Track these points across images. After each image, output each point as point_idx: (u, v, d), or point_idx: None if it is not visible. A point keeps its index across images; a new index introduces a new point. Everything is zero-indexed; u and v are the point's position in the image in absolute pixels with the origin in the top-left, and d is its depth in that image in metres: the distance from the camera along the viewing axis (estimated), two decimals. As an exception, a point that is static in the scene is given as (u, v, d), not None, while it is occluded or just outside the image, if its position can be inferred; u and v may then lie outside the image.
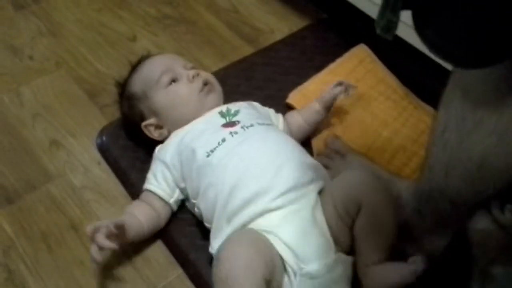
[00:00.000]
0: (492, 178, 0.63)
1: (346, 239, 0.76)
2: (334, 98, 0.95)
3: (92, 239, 0.76)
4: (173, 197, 0.85)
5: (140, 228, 0.82)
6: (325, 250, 0.72)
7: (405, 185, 0.82)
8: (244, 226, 0.75)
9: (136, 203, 0.86)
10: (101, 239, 0.75)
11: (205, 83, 0.90)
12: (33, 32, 1.23)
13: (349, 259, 0.75)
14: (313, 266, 0.71)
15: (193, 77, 0.89)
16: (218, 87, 0.92)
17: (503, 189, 0.65)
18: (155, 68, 0.91)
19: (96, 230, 0.76)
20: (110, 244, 0.76)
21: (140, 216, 0.83)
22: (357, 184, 0.76)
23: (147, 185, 0.86)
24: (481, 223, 0.82)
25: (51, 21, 1.26)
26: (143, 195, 0.86)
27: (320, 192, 0.78)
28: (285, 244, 0.72)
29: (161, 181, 0.85)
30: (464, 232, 0.82)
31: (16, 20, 1.26)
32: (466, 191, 0.66)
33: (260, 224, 0.74)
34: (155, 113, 0.89)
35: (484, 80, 0.58)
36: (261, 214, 0.74)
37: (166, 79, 0.89)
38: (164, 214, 0.86)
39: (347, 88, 0.95)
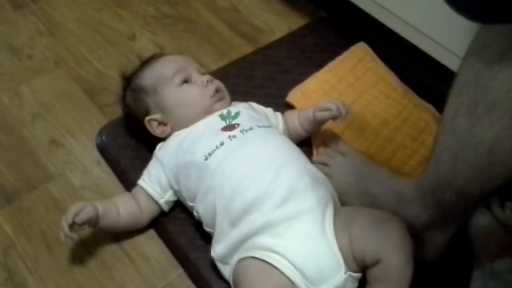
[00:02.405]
0: (502, 163, 0.62)
1: (356, 268, 0.73)
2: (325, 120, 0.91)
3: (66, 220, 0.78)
4: (164, 198, 0.85)
5: (115, 220, 0.83)
6: (335, 270, 0.71)
7: (407, 181, 0.82)
8: (248, 237, 0.74)
9: (125, 195, 0.87)
10: (65, 228, 0.78)
11: (217, 90, 0.90)
12: (32, 32, 1.23)
13: (357, 276, 0.73)
14: None
15: (207, 82, 0.90)
16: (227, 97, 0.93)
17: (508, 181, 0.65)
18: (170, 66, 0.91)
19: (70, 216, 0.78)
20: (71, 234, 0.78)
21: (121, 209, 0.84)
22: (382, 235, 0.71)
23: (139, 181, 0.87)
24: (481, 220, 0.82)
25: (50, 21, 1.25)
26: (134, 190, 0.87)
27: (329, 203, 0.77)
28: (294, 265, 0.71)
29: (154, 180, 0.85)
30: (465, 228, 0.82)
31: (15, 20, 1.25)
32: (474, 179, 0.65)
33: (266, 242, 0.72)
34: (161, 109, 0.89)
35: (498, 63, 0.58)
36: (265, 226, 0.73)
37: (179, 78, 0.89)
38: (147, 213, 0.86)
39: (338, 113, 0.88)
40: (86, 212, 0.79)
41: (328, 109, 0.89)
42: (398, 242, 0.70)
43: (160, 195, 0.85)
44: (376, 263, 0.70)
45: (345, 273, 0.71)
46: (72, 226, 0.78)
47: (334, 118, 0.89)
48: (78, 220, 0.78)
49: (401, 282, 0.70)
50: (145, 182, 0.86)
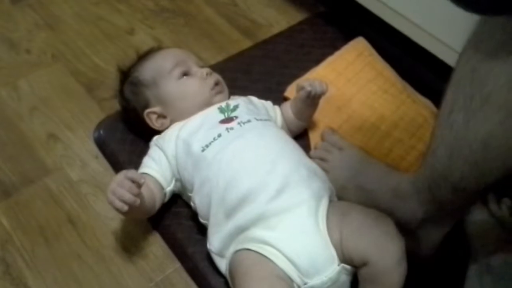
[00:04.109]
0: (497, 159, 0.63)
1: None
2: (307, 101, 0.90)
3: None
4: (170, 186, 0.85)
5: (142, 200, 0.78)
6: (329, 262, 0.71)
7: (404, 177, 0.82)
8: (243, 229, 0.74)
9: None
10: (127, 195, 0.73)
11: (217, 83, 0.91)
12: (30, 26, 1.22)
13: (351, 269, 0.73)
14: (316, 281, 0.71)
15: (207, 74, 0.90)
16: (226, 90, 0.93)
17: (503, 177, 0.65)
18: (169, 59, 0.91)
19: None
20: (136, 199, 0.73)
21: (143, 192, 0.79)
22: (371, 238, 0.70)
23: (146, 169, 0.84)
24: (478, 216, 0.82)
25: (48, 14, 1.25)
26: None
27: (323, 197, 0.76)
28: (287, 258, 0.71)
29: (161, 166, 0.84)
30: (462, 224, 0.82)
31: (13, 13, 1.25)
32: (469, 174, 0.66)
33: (259, 235, 0.73)
34: (161, 102, 0.89)
35: (493, 58, 0.58)
36: (259, 218, 0.73)
37: (179, 71, 0.89)
38: (159, 200, 0.84)
39: (311, 88, 0.88)
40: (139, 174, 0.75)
41: (302, 88, 0.89)
42: (386, 246, 0.70)
43: (168, 183, 0.84)
44: (364, 265, 0.70)
45: (338, 265, 0.71)
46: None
47: (312, 95, 0.88)
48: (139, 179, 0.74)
49: (389, 285, 0.69)
50: (152, 169, 0.84)
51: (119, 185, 0.74)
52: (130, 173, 0.75)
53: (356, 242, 0.70)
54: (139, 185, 0.75)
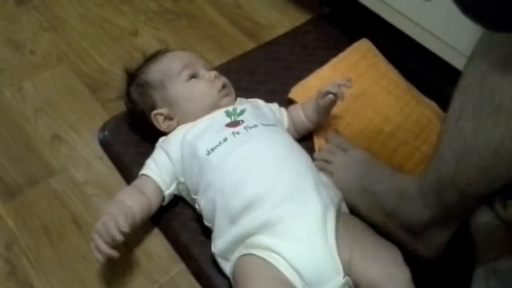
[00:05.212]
0: (506, 165, 0.62)
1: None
2: (329, 105, 0.92)
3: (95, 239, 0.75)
4: (169, 189, 0.85)
5: (135, 222, 0.80)
6: (333, 274, 0.70)
7: (409, 178, 0.82)
8: (248, 235, 0.73)
9: (128, 191, 0.84)
10: (104, 247, 0.74)
11: (224, 86, 0.91)
12: (35, 27, 1.23)
13: None
14: None
15: (215, 77, 0.91)
16: (233, 92, 0.93)
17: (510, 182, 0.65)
18: (178, 61, 0.92)
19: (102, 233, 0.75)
20: (112, 253, 0.75)
21: (134, 207, 0.81)
22: (381, 267, 0.69)
23: (146, 171, 0.85)
24: (484, 218, 0.82)
25: (53, 16, 1.26)
26: (138, 181, 0.86)
27: (330, 206, 0.75)
28: (292, 267, 0.70)
29: (162, 169, 0.85)
30: (467, 226, 0.82)
31: (18, 15, 1.26)
32: (477, 179, 0.65)
33: (265, 241, 0.72)
34: (168, 104, 0.89)
35: (504, 66, 0.58)
36: (265, 225, 0.73)
37: (187, 73, 0.90)
38: (155, 204, 0.84)
39: (338, 94, 0.89)
40: (124, 220, 0.76)
41: (329, 93, 0.89)
42: (395, 274, 0.69)
43: (167, 186, 0.85)
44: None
45: (343, 277, 0.70)
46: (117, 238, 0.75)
47: (340, 95, 0.90)
48: (127, 228, 0.76)
49: None
50: (153, 172, 0.84)
51: (98, 233, 0.75)
52: (112, 227, 0.74)
53: (366, 269, 0.69)
54: (117, 239, 0.75)
